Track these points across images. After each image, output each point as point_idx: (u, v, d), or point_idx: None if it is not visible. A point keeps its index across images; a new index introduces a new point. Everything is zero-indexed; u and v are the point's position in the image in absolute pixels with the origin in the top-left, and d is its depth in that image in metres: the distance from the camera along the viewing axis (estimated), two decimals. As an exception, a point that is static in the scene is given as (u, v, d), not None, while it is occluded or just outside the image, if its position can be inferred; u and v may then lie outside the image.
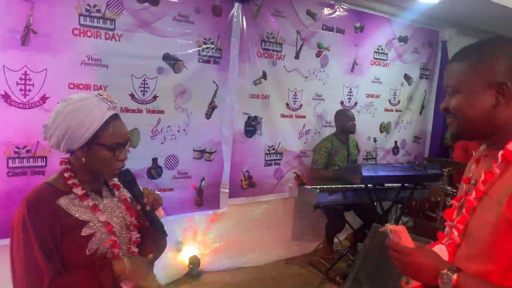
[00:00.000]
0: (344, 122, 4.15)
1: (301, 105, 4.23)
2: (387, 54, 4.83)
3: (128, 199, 1.54)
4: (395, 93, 5.03)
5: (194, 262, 3.67)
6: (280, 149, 4.15)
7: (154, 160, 3.32)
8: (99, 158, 1.37)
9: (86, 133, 1.33)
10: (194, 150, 3.56)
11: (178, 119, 3.41)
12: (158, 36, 3.18)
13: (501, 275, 1.01)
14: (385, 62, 4.84)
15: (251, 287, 3.61)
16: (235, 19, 3.59)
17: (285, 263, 4.13)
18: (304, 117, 4.28)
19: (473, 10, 4.53)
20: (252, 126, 3.91)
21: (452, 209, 1.19)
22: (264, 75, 3.90)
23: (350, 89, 4.60)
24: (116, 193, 1.53)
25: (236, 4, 3.57)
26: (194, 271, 3.66)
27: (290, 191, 4.28)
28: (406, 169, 3.91)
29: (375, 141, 4.73)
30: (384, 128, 5.02)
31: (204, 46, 3.44)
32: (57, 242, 1.32)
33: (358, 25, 4.48)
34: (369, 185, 3.73)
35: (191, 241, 3.71)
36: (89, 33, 2.86)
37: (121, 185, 1.53)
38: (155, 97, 3.24)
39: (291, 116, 4.19)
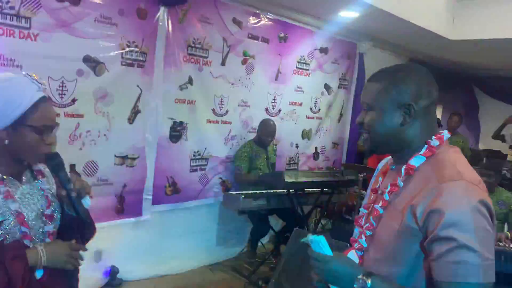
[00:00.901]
0: (263, 134, 4.27)
1: (227, 111, 4.27)
2: (309, 64, 5.04)
3: (53, 187, 1.46)
4: (316, 101, 5.25)
5: (114, 271, 3.54)
6: (206, 155, 4.15)
7: (72, 166, 3.16)
8: (25, 141, 1.31)
9: (13, 113, 1.27)
10: (115, 156, 3.44)
11: (99, 124, 3.28)
12: (78, 37, 3.03)
13: (406, 277, 1.12)
14: (307, 71, 5.05)
15: (174, 295, 3.57)
16: (160, 23, 3.54)
17: (209, 269, 4.13)
18: (230, 123, 4.33)
19: (387, 26, 4.87)
20: (177, 131, 3.87)
21: (360, 216, 1.30)
22: (190, 81, 3.88)
23: (275, 97, 4.73)
24: (40, 179, 1.45)
25: (162, 8, 3.52)
26: (114, 281, 3.53)
27: (215, 196, 4.29)
28: (325, 175, 4.12)
29: (297, 147, 4.90)
30: (306, 135, 5.23)
31: (127, 49, 3.34)
32: None
33: (282, 35, 4.63)
34: (291, 191, 3.86)
35: (111, 250, 3.58)
36: (0, 31, 2.67)
37: (45, 173, 1.46)
38: (74, 101, 3.09)
39: (217, 122, 4.21)
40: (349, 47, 5.58)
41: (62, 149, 3.01)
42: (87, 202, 1.43)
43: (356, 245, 1.26)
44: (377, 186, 1.31)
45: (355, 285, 1.09)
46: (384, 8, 4.15)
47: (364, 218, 1.28)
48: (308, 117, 5.20)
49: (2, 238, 1.29)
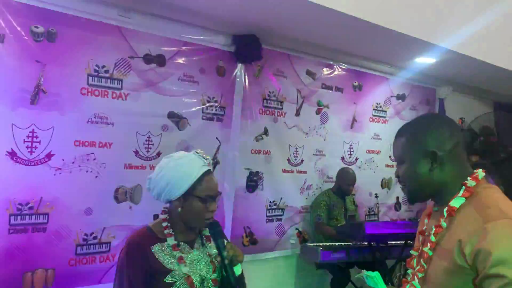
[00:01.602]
0: (343, 183, 4.19)
1: (302, 161, 4.27)
2: (385, 111, 4.95)
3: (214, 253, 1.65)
4: (394, 149, 5.08)
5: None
6: (282, 205, 4.14)
7: (156, 216, 3.30)
8: (193, 209, 1.56)
9: (184, 185, 1.53)
10: (196, 207, 3.54)
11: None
12: (164, 95, 3.28)
13: None
14: (384, 119, 4.95)
15: None
16: (238, 79, 3.72)
17: (287, 324, 3.99)
18: (305, 172, 4.31)
19: (468, 70, 4.69)
20: (253, 181, 3.92)
21: (411, 258, 1.35)
22: (266, 132, 3.97)
23: (351, 145, 4.67)
24: (208, 245, 1.67)
25: (239, 65, 3.71)
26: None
27: (292, 248, 4.21)
28: (408, 226, 3.88)
29: (376, 197, 4.72)
30: (386, 184, 5.03)
31: (208, 104, 3.54)
32: (146, 282, 1.52)
33: (356, 83, 4.62)
34: (372, 243, 3.69)
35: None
36: (96, 92, 2.95)
37: (211, 239, 1.66)
38: (158, 154, 3.28)
39: (292, 172, 4.21)
40: (427, 92, 5.42)
41: (148, 200, 3.20)
42: (238, 269, 1.59)
43: (408, 287, 1.30)
44: (423, 228, 1.37)
45: None
46: (463, 52, 4.01)
47: (415, 260, 1.33)
48: (387, 165, 5.02)
49: None
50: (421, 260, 1.27)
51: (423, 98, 5.37)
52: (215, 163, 3.63)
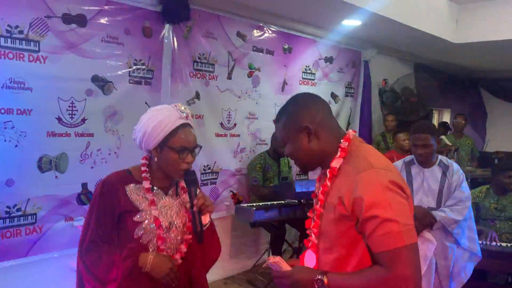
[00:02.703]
0: (278, 145, 4.27)
1: (235, 124, 4.30)
2: (314, 73, 5.07)
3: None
4: (323, 110, 5.25)
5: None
6: (216, 168, 4.17)
7: (84, 185, 3.19)
8: (167, 159, 1.62)
9: (158, 136, 1.60)
10: (127, 173, 3.47)
11: (109, 142, 3.31)
12: (86, 58, 3.10)
13: (349, 260, 1.32)
14: (313, 81, 5.07)
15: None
16: (166, 40, 3.59)
17: (223, 283, 4.11)
18: (238, 135, 4.35)
19: (391, 32, 4.90)
20: (186, 146, 3.89)
21: (309, 219, 1.49)
22: (197, 95, 3.92)
23: (282, 108, 4.74)
24: (182, 195, 1.74)
25: (167, 26, 3.58)
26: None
27: (227, 209, 4.29)
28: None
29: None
30: (315, 144, 5.21)
31: (134, 67, 3.40)
32: (114, 218, 1.62)
33: (286, 46, 4.67)
34: (302, 200, 3.85)
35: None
36: (10, 55, 2.73)
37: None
38: (83, 120, 3.14)
39: (225, 135, 4.24)
40: (353, 55, 5.61)
41: (74, 168, 3.08)
42: (206, 219, 1.66)
43: (309, 244, 1.44)
44: (316, 191, 1.52)
45: (315, 286, 1.27)
46: (386, 15, 4.18)
47: (312, 220, 1.46)
48: (316, 127, 5.19)
49: (140, 234, 1.62)
50: (314, 217, 1.43)
51: (349, 61, 5.55)
52: (146, 128, 3.54)
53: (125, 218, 1.63)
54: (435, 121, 8.47)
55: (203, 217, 1.63)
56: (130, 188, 1.65)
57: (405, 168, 2.84)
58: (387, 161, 1.38)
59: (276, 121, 1.52)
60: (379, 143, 5.77)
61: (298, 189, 3.63)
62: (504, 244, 3.24)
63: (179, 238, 1.72)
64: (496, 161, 6.02)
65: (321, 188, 1.42)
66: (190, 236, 1.73)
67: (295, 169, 4.92)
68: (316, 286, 1.26)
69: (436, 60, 6.75)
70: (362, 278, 1.24)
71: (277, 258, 1.38)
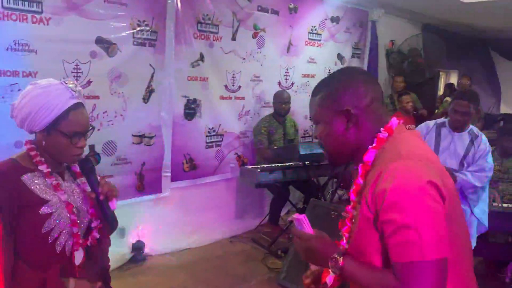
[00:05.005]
0: (276, 102, 4.28)
1: (239, 87, 4.28)
2: (320, 34, 4.99)
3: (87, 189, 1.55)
4: (329, 72, 5.21)
5: (138, 247, 3.67)
6: (221, 131, 4.20)
7: (91, 147, 3.24)
8: (57, 144, 1.42)
9: (46, 118, 1.38)
10: (132, 135, 3.51)
11: (115, 104, 3.33)
12: (89, 19, 3.06)
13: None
14: (319, 42, 5.00)
15: (197, 267, 3.68)
16: (169, 1, 3.53)
17: (229, 242, 4.23)
18: (243, 98, 4.35)
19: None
20: (191, 109, 3.91)
21: (342, 220, 1.30)
22: (202, 57, 3.89)
23: (287, 70, 4.72)
24: (78, 180, 1.56)
25: (170, -15, 3.52)
26: (138, 256, 3.66)
27: (232, 171, 4.36)
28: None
29: (311, 119, 4.89)
30: (320, 107, 5.20)
31: (138, 28, 3.36)
32: (13, 217, 1.35)
33: (292, 6, 4.57)
34: (306, 163, 3.90)
35: (134, 227, 3.70)
36: (14, 17, 2.70)
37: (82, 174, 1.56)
38: (89, 82, 3.14)
39: (230, 98, 4.23)
40: (361, 15, 5.49)
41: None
42: (113, 204, 1.52)
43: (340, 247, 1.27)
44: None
45: (329, 263, 1.13)
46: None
47: (345, 222, 1.28)
48: (321, 89, 5.16)
49: (50, 228, 1.40)
50: (346, 220, 1.25)
51: (356, 21, 5.44)
52: (150, 91, 3.54)
53: (26, 213, 1.37)
54: (442, 83, 8.38)
55: (110, 204, 1.50)
56: (28, 177, 1.40)
57: (436, 129, 2.91)
58: (426, 150, 1.15)
59: (312, 95, 1.28)
60: (387, 105, 5.74)
61: (302, 152, 3.67)
62: (505, 205, 3.30)
63: (86, 224, 1.54)
64: (501, 123, 6.01)
65: (354, 187, 1.21)
66: (99, 222, 1.57)
67: (300, 132, 4.95)
68: (329, 262, 1.13)
69: (444, 20, 6.60)
70: (374, 280, 1.07)
71: (302, 216, 1.24)
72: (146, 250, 3.73)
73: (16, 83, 2.76)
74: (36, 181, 1.42)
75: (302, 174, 3.98)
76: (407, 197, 1.01)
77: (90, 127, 1.51)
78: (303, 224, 1.23)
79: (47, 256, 1.41)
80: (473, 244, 2.85)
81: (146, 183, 3.64)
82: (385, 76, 6.29)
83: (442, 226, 1.01)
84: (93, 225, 1.55)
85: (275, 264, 3.74)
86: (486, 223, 2.88)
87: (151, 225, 3.79)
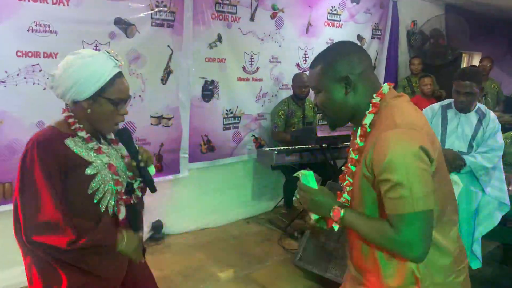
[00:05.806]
0: (295, 85, 4.24)
1: (257, 68, 4.26)
2: (340, 15, 4.90)
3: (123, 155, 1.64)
4: (348, 54, 5.13)
5: (157, 226, 3.74)
6: (238, 113, 4.20)
7: (111, 127, 3.29)
8: (103, 111, 1.48)
9: (93, 86, 1.44)
10: (151, 117, 3.54)
11: (133, 85, 3.35)
12: (108, 0, 3.07)
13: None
14: (338, 23, 4.92)
15: (214, 246, 3.74)
16: (187, -20, 3.52)
17: (246, 222, 4.28)
18: (261, 80, 4.32)
19: (421, -29, 4.63)
20: (209, 90, 3.92)
21: (343, 174, 1.45)
22: (220, 38, 3.88)
23: (306, 51, 4.67)
24: (114, 146, 1.64)
25: (188, -35, 3.49)
26: (157, 234, 3.74)
27: (249, 153, 4.37)
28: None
29: (313, 89, 4.84)
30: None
31: (156, 9, 3.36)
32: (62, 181, 1.43)
33: (311, -14, 4.49)
34: (323, 145, 3.88)
35: (153, 206, 3.76)
36: (34, -3, 2.73)
37: (117, 141, 1.64)
38: (108, 63, 3.16)
39: (248, 80, 4.22)
40: (381, -5, 5.37)
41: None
42: (152, 170, 1.61)
43: (342, 199, 1.41)
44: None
45: (330, 214, 1.32)
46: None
47: (345, 177, 1.43)
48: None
49: (95, 189, 1.49)
50: (346, 175, 1.40)
51: (377, 1, 5.32)
52: (168, 72, 3.55)
53: (73, 176, 1.46)
54: (464, 65, 8.17)
55: (149, 169, 1.59)
56: (70, 141, 1.48)
57: (442, 112, 2.83)
58: (416, 117, 1.31)
59: (311, 67, 1.42)
60: (405, 87, 5.64)
61: (319, 134, 3.65)
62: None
63: (126, 184, 1.64)
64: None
65: (353, 146, 1.38)
66: (142, 184, 1.67)
67: (318, 115, 4.91)
68: (331, 213, 1.31)
69: (468, 0, 6.39)
70: (372, 228, 1.27)
71: (308, 172, 1.40)
72: (165, 229, 3.80)
73: (38, 64, 2.81)
74: (78, 144, 1.49)
75: (319, 156, 3.97)
76: (401, 161, 1.20)
77: (130, 96, 1.57)
78: (309, 179, 1.39)
79: (94, 215, 1.50)
80: (493, 224, 2.80)
81: (164, 164, 3.69)
82: (405, 57, 6.17)
83: (429, 183, 1.21)
84: (135, 185, 1.65)
85: (291, 245, 3.77)
86: (506, 200, 2.78)
87: (170, 205, 3.86)
